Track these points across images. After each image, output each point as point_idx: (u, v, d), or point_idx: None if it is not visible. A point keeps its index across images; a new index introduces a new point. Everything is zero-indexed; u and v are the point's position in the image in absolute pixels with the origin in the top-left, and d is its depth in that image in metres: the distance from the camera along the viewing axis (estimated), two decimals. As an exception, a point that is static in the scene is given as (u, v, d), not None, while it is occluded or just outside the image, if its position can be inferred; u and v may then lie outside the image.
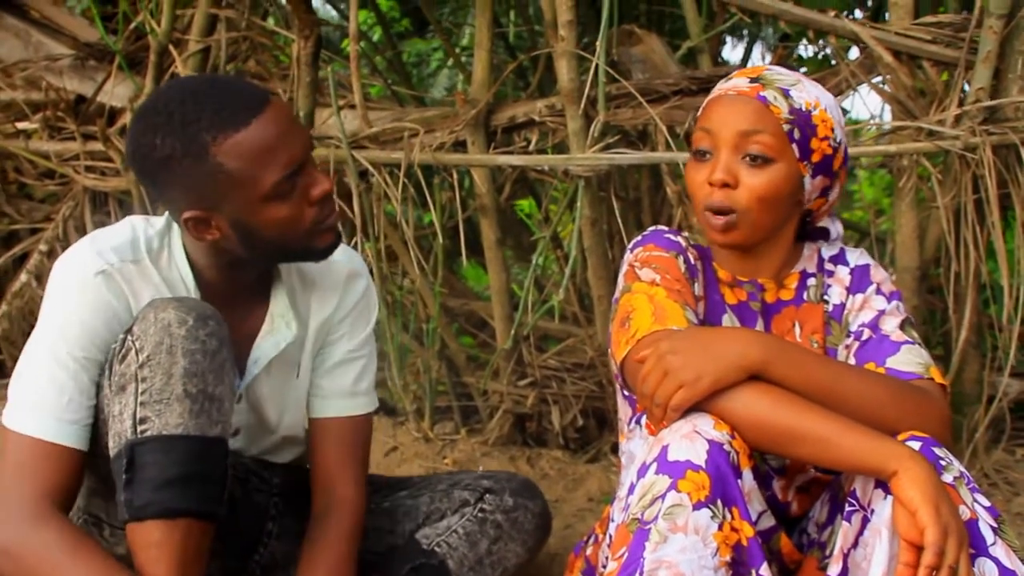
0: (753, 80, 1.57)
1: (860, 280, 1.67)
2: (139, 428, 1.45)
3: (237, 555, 1.77)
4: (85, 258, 1.56)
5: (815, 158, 1.55)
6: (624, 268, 1.64)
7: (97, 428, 1.54)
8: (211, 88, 1.52)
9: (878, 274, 1.67)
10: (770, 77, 1.57)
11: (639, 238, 1.69)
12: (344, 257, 1.79)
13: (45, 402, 1.51)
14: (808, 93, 1.56)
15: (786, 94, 1.54)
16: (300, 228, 1.57)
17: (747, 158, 1.54)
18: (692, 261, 1.63)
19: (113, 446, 1.48)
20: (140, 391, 1.46)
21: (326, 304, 1.78)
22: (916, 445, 1.36)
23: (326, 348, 1.82)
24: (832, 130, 1.56)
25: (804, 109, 1.54)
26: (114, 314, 1.55)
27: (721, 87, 1.61)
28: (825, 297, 1.67)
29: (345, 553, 1.70)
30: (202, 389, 1.47)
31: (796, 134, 1.54)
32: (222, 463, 1.50)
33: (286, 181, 1.52)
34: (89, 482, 1.58)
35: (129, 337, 1.49)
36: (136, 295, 1.58)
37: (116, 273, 1.56)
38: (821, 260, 1.70)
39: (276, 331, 1.70)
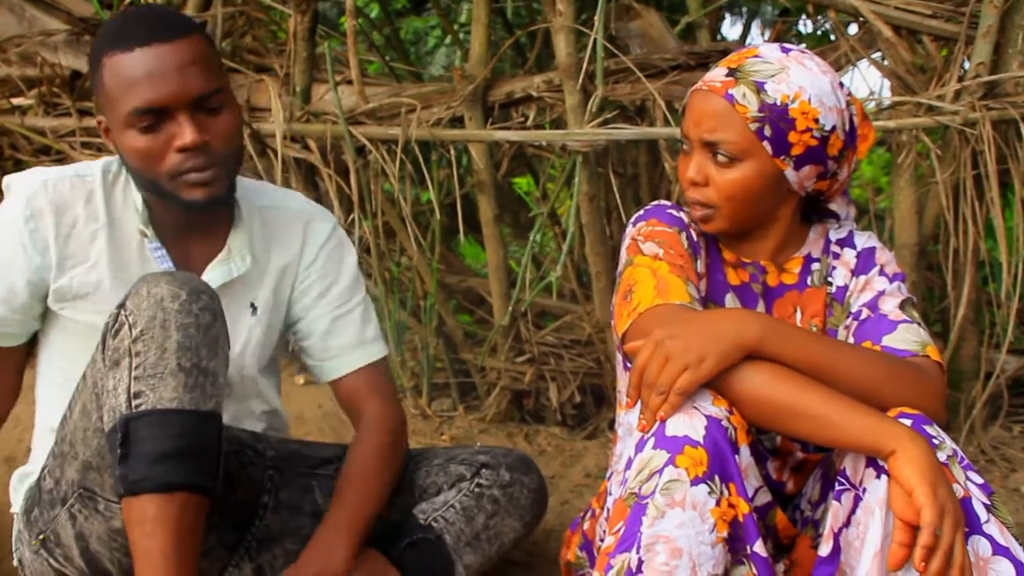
0: (730, 72, 1.54)
1: (865, 262, 1.65)
2: (134, 403, 1.44)
3: (234, 528, 1.78)
4: (23, 179, 1.67)
5: (796, 151, 1.52)
6: (626, 242, 1.64)
7: (95, 401, 1.54)
8: (141, 11, 1.66)
9: (883, 256, 1.66)
10: (748, 68, 1.53)
11: (641, 212, 1.68)
12: (298, 204, 1.85)
13: None
14: (789, 84, 1.50)
15: (759, 88, 1.50)
16: (159, 168, 1.59)
17: (716, 155, 1.54)
18: (695, 238, 1.63)
19: (108, 420, 1.48)
20: (134, 366, 1.45)
21: (287, 250, 1.81)
22: (907, 423, 1.36)
23: (305, 299, 1.84)
24: (816, 120, 1.51)
25: (779, 103, 1.50)
26: (30, 242, 1.64)
27: (703, 78, 1.59)
28: (829, 279, 1.66)
29: (372, 469, 1.74)
30: (196, 363, 1.46)
31: (767, 131, 1.50)
32: (217, 437, 1.50)
33: (142, 116, 1.55)
34: (84, 456, 1.58)
35: (122, 312, 1.49)
36: (64, 205, 1.65)
37: (49, 188, 1.65)
38: (828, 243, 1.69)
39: (231, 260, 1.72)
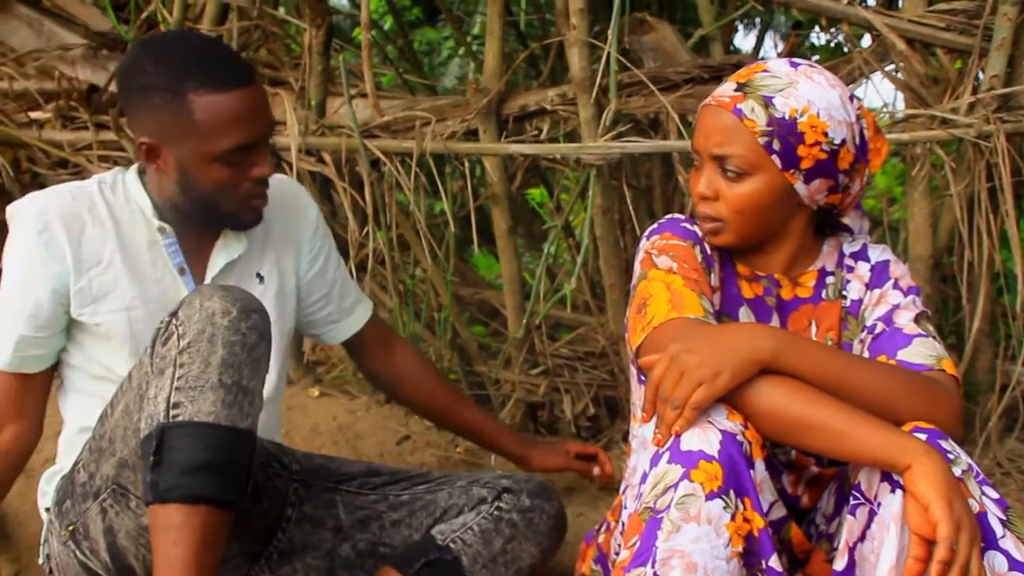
0: (739, 87, 1.55)
1: (879, 276, 1.66)
2: (172, 412, 1.47)
3: (256, 538, 1.80)
4: (25, 202, 1.75)
5: (805, 165, 1.53)
6: (640, 255, 1.65)
7: (139, 403, 1.57)
8: (212, 48, 1.76)
9: (897, 269, 1.66)
10: (757, 83, 1.54)
11: (655, 226, 1.69)
12: (280, 176, 2.00)
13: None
14: (797, 98, 1.51)
15: (768, 103, 1.51)
16: (233, 196, 1.75)
17: (725, 170, 1.55)
18: (709, 251, 1.64)
19: (145, 427, 1.50)
20: (177, 376, 1.49)
21: (289, 219, 1.95)
22: (922, 437, 1.36)
23: (315, 268, 2.00)
24: (825, 134, 1.51)
25: (787, 118, 1.51)
26: (47, 254, 1.71)
27: (713, 93, 1.60)
28: (844, 293, 1.67)
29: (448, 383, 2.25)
30: (237, 381, 1.50)
31: (776, 145, 1.51)
32: (249, 455, 1.53)
33: (235, 153, 1.70)
34: (122, 453, 1.61)
35: (173, 321, 1.54)
36: (71, 213, 1.73)
37: (53, 202, 1.73)
38: (842, 256, 1.69)
39: (228, 245, 1.84)
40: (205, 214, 1.79)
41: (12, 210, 1.75)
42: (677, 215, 1.71)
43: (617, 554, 1.51)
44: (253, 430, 1.53)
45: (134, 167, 1.86)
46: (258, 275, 1.90)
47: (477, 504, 1.84)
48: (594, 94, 2.47)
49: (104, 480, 1.65)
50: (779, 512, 1.49)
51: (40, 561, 1.82)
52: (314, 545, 1.82)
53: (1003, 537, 1.32)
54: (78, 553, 1.71)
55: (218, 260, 1.83)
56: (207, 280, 1.83)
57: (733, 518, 1.32)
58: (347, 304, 2.09)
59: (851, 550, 1.37)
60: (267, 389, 1.92)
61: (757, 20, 4.46)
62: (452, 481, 1.90)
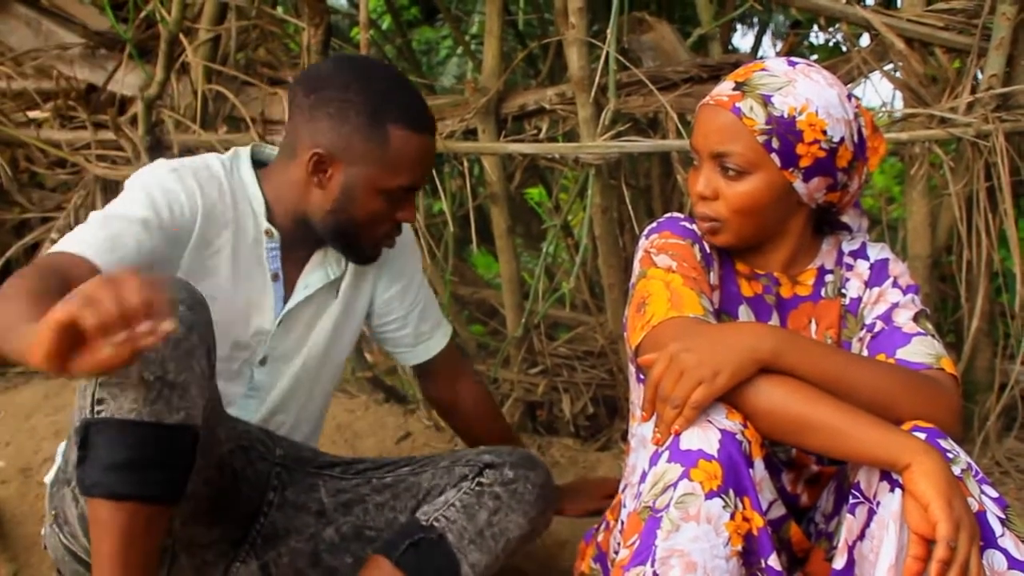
0: (737, 86, 1.55)
1: (878, 274, 1.66)
2: (96, 408, 1.46)
3: (239, 524, 1.80)
4: (160, 162, 1.76)
5: (804, 163, 1.53)
6: (639, 254, 1.65)
7: None
8: (413, 90, 1.82)
9: (896, 268, 1.66)
10: (756, 82, 1.54)
11: (654, 224, 1.69)
12: None
13: (87, 234, 1.63)
14: (796, 97, 1.51)
15: (767, 101, 1.51)
16: (374, 230, 1.80)
17: (724, 169, 1.55)
18: (708, 250, 1.64)
19: (76, 419, 1.51)
20: None
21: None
22: (921, 436, 1.36)
23: (394, 288, 2.00)
24: (824, 132, 1.51)
25: (786, 116, 1.51)
26: (182, 195, 1.71)
27: (711, 92, 1.60)
28: (843, 291, 1.67)
29: (495, 408, 2.23)
30: (160, 376, 1.47)
31: (775, 143, 1.51)
32: (185, 448, 1.51)
33: (400, 191, 1.77)
34: None
35: None
36: (205, 186, 1.74)
37: (189, 169, 1.74)
38: (841, 254, 1.69)
39: (326, 264, 1.88)
40: (335, 236, 1.81)
41: (139, 172, 1.74)
42: (676, 214, 1.71)
43: (616, 553, 1.51)
44: (188, 423, 1.50)
45: (246, 156, 1.85)
46: (337, 289, 1.93)
47: (459, 481, 1.83)
48: (593, 93, 2.47)
49: (74, 466, 1.64)
50: (778, 511, 1.49)
51: (43, 532, 1.83)
52: (297, 529, 1.81)
53: (1002, 536, 1.32)
54: (62, 537, 1.72)
55: (314, 278, 1.86)
56: (296, 292, 1.85)
57: (732, 517, 1.31)
58: (424, 330, 2.09)
59: (850, 549, 1.37)
60: (315, 397, 1.97)
61: (755, 19, 4.46)
62: (436, 462, 1.89)
